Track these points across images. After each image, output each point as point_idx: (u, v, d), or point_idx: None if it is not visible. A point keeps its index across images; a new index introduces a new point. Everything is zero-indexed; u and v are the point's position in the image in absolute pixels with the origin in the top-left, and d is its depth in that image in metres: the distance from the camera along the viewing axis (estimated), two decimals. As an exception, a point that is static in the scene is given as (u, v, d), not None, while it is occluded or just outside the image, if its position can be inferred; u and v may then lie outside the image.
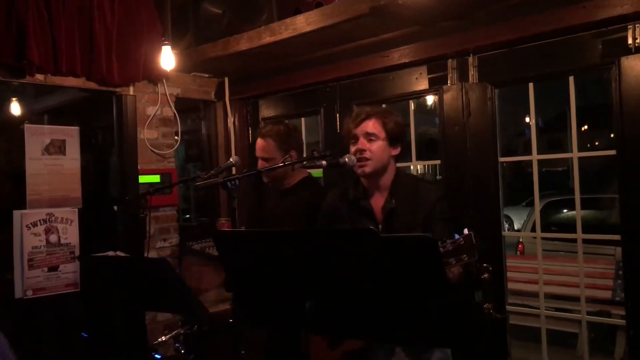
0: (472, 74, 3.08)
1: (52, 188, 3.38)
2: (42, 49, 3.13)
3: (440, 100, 3.22)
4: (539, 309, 3.20)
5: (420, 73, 3.30)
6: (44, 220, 3.33)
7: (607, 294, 4.68)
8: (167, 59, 3.67)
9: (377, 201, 2.28)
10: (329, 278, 1.53)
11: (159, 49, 3.67)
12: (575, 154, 2.90)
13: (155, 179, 3.86)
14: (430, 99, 3.80)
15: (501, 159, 3.08)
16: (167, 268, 2.09)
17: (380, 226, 2.22)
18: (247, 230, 2.46)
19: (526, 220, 7.57)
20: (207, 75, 4.27)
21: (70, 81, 3.42)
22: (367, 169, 2.23)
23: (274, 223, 2.73)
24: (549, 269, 4.95)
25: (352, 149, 2.26)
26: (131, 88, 3.76)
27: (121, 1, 3.52)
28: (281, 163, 2.54)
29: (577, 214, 3.03)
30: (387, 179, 2.28)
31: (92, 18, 3.37)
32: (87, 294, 3.46)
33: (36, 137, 3.36)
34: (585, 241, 3.01)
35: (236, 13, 3.66)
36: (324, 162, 2.17)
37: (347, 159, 2.20)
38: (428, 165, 9.68)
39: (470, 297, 2.32)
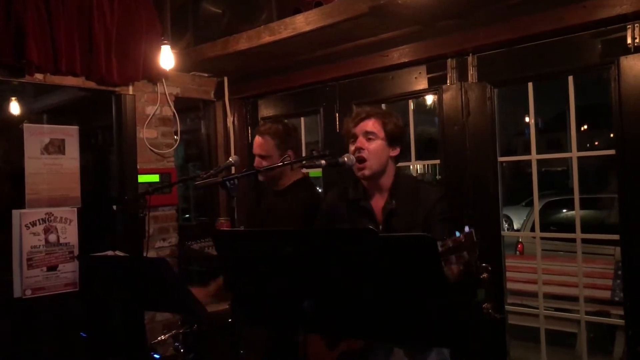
0: (472, 73, 3.08)
1: (51, 187, 3.38)
2: (41, 48, 3.13)
3: (440, 99, 3.22)
4: (538, 308, 3.20)
5: (420, 73, 3.30)
6: (43, 220, 3.32)
7: (606, 294, 4.68)
8: (167, 58, 3.67)
9: (377, 202, 2.28)
10: (328, 278, 1.53)
11: (159, 49, 3.66)
12: (574, 154, 2.90)
13: (155, 178, 3.86)
14: (429, 99, 3.80)
15: (500, 159, 3.08)
16: (166, 268, 2.08)
17: (380, 227, 2.22)
18: (246, 230, 2.46)
19: (525, 220, 7.58)
20: (206, 75, 4.26)
21: (70, 80, 3.42)
22: (367, 172, 2.22)
23: (271, 223, 2.73)
24: (548, 268, 4.95)
25: (351, 147, 2.26)
26: (130, 87, 3.75)
27: (120, 1, 3.51)
28: (280, 162, 2.54)
29: (576, 213, 3.03)
30: (386, 179, 2.28)
31: (91, 17, 3.37)
32: (86, 293, 3.46)
33: (35, 137, 3.36)
34: (584, 241, 3.01)
35: (235, 12, 3.66)
36: (323, 162, 2.17)
37: (346, 159, 2.20)
38: (428, 165, 9.68)
39: (470, 297, 2.32)
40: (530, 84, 2.98)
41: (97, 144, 4.90)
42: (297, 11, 3.20)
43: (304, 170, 2.77)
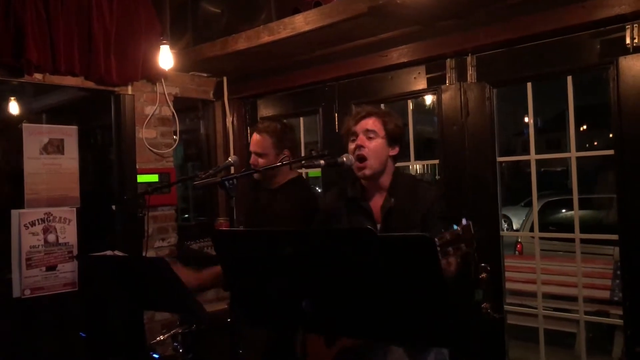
0: (471, 73, 3.09)
1: (50, 187, 3.38)
2: (40, 48, 3.13)
3: (439, 99, 3.22)
4: (537, 308, 3.21)
5: (419, 73, 3.30)
6: (42, 220, 3.32)
7: (606, 294, 4.69)
8: (166, 58, 3.67)
9: (376, 201, 2.28)
10: (327, 277, 1.53)
11: (158, 49, 3.66)
12: (573, 154, 2.90)
13: (154, 178, 3.86)
14: (428, 99, 3.80)
15: (499, 159, 3.08)
16: (166, 267, 2.08)
17: (379, 226, 2.22)
18: (245, 230, 2.46)
19: (524, 220, 7.59)
20: (205, 75, 4.26)
21: (69, 80, 3.42)
22: (367, 172, 2.22)
23: (266, 221, 2.72)
24: (547, 268, 4.96)
25: (351, 146, 2.25)
26: (129, 87, 3.76)
27: (120, 1, 3.52)
28: (278, 162, 2.54)
29: (575, 213, 3.03)
30: (385, 179, 2.28)
31: (90, 17, 3.37)
32: (85, 293, 3.46)
33: (34, 137, 3.36)
34: (583, 241, 3.01)
35: (235, 12, 3.66)
36: (322, 162, 2.17)
37: (345, 159, 2.20)
38: (427, 165, 9.69)
39: (469, 297, 2.32)
40: (529, 84, 2.98)
41: (96, 143, 4.90)
42: (296, 11, 3.20)
43: (304, 170, 2.76)
